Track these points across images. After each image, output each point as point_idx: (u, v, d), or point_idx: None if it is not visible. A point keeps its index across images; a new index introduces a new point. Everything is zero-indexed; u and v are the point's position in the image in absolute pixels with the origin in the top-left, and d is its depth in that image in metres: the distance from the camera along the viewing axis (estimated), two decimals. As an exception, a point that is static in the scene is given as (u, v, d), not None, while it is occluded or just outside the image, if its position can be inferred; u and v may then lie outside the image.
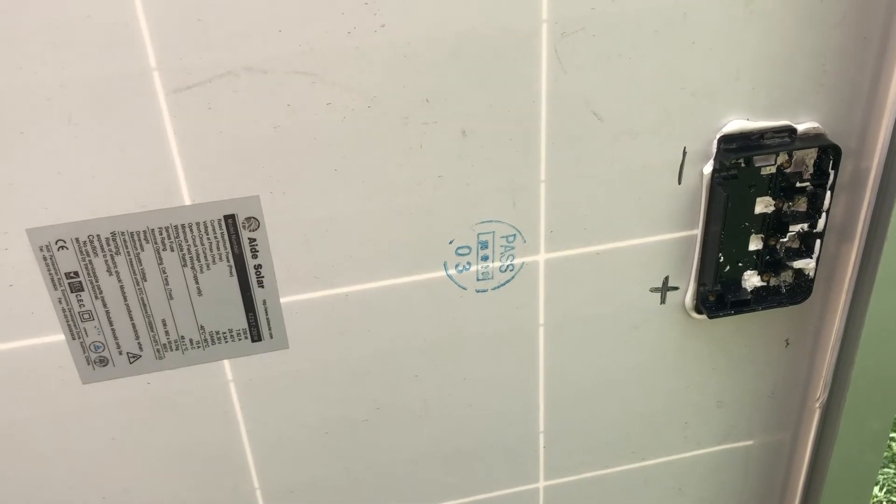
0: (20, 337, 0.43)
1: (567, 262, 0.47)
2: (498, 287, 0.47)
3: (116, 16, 0.36)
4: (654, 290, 0.50)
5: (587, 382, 0.53)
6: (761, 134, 0.45)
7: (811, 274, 0.49)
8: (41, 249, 0.40)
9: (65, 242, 0.41)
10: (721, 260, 0.48)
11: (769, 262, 0.49)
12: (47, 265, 0.41)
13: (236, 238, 0.42)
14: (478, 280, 0.47)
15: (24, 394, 0.45)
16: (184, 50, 0.37)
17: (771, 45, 0.43)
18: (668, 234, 0.48)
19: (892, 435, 1.30)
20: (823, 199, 0.46)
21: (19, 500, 0.48)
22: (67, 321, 0.43)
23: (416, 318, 0.47)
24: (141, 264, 0.42)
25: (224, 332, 0.45)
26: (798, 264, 0.48)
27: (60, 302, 0.42)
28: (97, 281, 0.42)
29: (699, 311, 0.50)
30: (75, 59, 0.36)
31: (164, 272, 0.42)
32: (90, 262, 0.41)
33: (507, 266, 0.47)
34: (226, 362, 0.46)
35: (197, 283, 0.43)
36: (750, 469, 0.60)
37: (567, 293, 0.49)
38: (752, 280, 0.49)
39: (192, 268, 0.43)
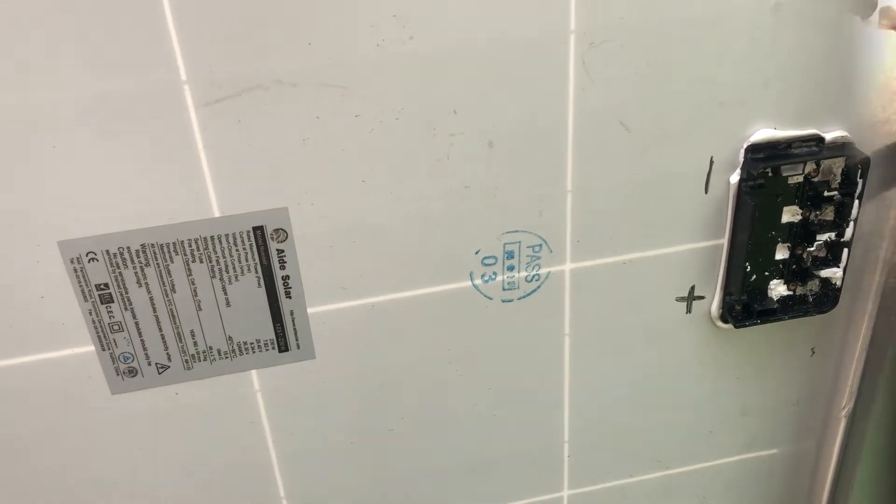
0: (50, 348, 0.43)
1: (593, 272, 0.47)
2: (524, 297, 0.47)
3: (147, 30, 0.36)
4: (679, 299, 0.49)
5: (612, 391, 0.53)
6: (789, 143, 0.45)
7: (838, 283, 0.49)
8: (72, 262, 0.41)
9: (95, 255, 0.41)
10: (748, 269, 0.48)
11: (795, 272, 0.48)
12: (78, 277, 0.41)
13: (264, 249, 0.42)
14: (503, 290, 0.47)
15: (53, 404, 0.45)
16: (214, 63, 0.37)
17: (800, 52, 0.43)
18: (695, 244, 0.48)
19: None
20: (851, 208, 0.46)
21: (47, 509, 0.49)
22: (97, 332, 0.43)
23: (441, 328, 0.47)
24: (170, 276, 0.42)
25: (252, 343, 0.45)
26: (825, 273, 0.48)
27: (90, 313, 0.42)
28: (127, 293, 0.42)
29: (725, 321, 0.50)
30: (106, 72, 0.36)
31: (193, 283, 0.43)
32: (120, 273, 0.42)
33: (533, 276, 0.47)
34: (253, 372, 0.47)
35: (225, 294, 0.43)
36: (774, 478, 0.60)
37: (592, 303, 0.49)
38: (778, 289, 0.49)
39: (221, 279, 0.43)
